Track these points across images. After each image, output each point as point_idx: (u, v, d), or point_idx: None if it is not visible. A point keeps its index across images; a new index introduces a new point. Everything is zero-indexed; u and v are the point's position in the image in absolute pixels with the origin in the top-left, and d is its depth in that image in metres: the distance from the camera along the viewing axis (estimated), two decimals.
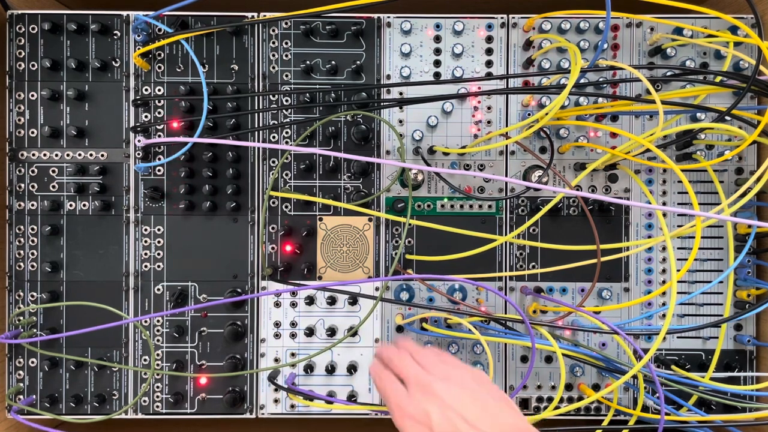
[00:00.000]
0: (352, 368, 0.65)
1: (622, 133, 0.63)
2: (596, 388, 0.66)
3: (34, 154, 0.64)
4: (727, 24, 0.64)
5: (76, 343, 0.65)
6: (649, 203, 0.64)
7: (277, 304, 0.65)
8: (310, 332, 0.65)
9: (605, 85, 0.62)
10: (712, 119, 0.60)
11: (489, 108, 0.65)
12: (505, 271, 0.66)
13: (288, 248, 0.65)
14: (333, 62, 0.64)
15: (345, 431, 0.72)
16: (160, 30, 0.62)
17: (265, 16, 0.63)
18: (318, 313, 0.66)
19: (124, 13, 0.64)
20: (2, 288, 0.65)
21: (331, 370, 0.65)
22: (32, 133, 0.64)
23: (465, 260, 0.61)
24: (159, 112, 0.65)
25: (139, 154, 0.65)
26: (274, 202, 0.66)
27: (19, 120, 0.64)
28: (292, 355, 0.66)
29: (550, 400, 0.66)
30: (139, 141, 0.60)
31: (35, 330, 0.64)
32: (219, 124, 0.64)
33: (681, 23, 0.63)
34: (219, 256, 0.65)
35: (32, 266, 0.64)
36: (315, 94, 0.64)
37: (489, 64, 0.65)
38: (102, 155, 0.65)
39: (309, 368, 0.65)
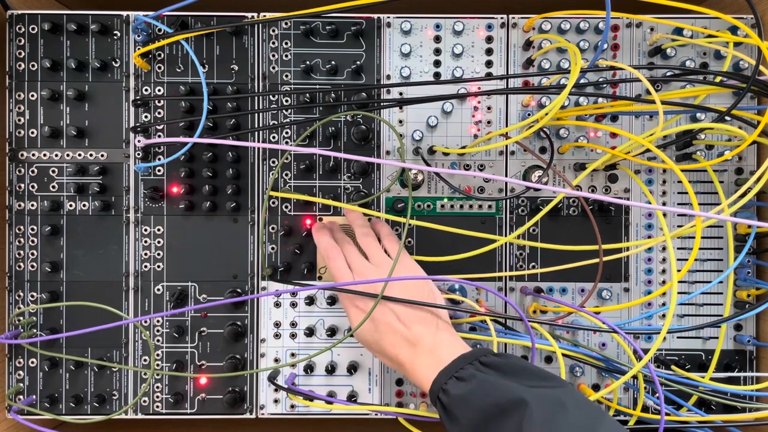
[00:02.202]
0: (352, 368, 0.65)
1: (622, 133, 0.63)
2: (596, 388, 0.66)
3: (34, 154, 0.64)
4: (727, 24, 0.64)
5: (76, 343, 0.65)
6: (649, 203, 0.64)
7: (277, 304, 0.66)
8: (310, 332, 0.65)
9: (605, 85, 0.62)
10: (712, 119, 0.60)
11: (489, 108, 0.65)
12: (505, 271, 0.66)
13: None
14: (333, 62, 0.64)
15: (345, 431, 0.72)
16: (160, 30, 0.62)
17: (265, 16, 0.63)
18: (318, 313, 0.66)
19: (124, 13, 0.64)
20: (2, 288, 0.65)
21: (331, 370, 0.65)
22: (32, 133, 0.64)
23: (465, 260, 0.60)
24: (159, 112, 0.65)
25: (139, 154, 0.65)
26: (274, 202, 0.66)
27: (19, 120, 0.64)
28: (292, 355, 0.66)
29: None
30: (139, 141, 0.61)
31: (35, 330, 0.64)
32: (219, 125, 0.64)
33: (681, 23, 0.63)
34: (219, 256, 0.65)
35: (32, 266, 0.64)
36: (315, 94, 0.64)
37: (489, 64, 0.65)
38: (102, 155, 0.65)
39: (309, 368, 0.65)
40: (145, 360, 0.65)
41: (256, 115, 0.65)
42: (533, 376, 0.46)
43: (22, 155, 0.64)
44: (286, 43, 0.65)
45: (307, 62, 0.64)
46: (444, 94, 0.60)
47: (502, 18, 0.65)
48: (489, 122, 0.65)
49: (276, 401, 0.66)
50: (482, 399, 0.44)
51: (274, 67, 0.65)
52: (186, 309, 0.64)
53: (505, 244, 0.66)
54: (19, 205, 0.64)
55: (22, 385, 0.64)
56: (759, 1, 0.65)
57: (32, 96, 0.64)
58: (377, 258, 0.56)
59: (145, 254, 0.65)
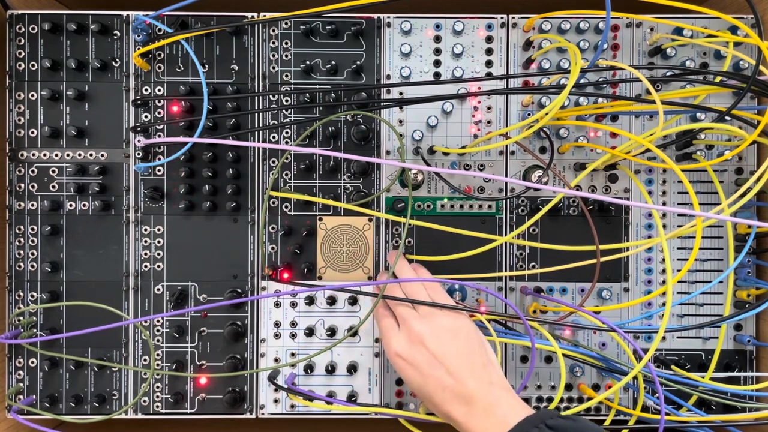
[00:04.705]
0: (352, 368, 0.65)
1: (622, 133, 0.64)
2: (596, 388, 0.66)
3: (34, 154, 0.64)
4: (727, 24, 0.64)
5: (76, 343, 0.64)
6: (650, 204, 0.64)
7: (277, 304, 0.66)
8: (310, 332, 0.65)
9: (605, 85, 0.62)
10: (712, 119, 0.60)
11: (489, 108, 0.65)
12: (505, 271, 0.66)
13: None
14: (333, 62, 0.64)
15: (345, 431, 0.72)
16: (160, 30, 0.62)
17: (265, 16, 0.63)
18: (318, 313, 0.66)
19: (124, 13, 0.64)
20: (2, 288, 0.65)
21: (331, 370, 0.65)
22: (32, 133, 0.64)
23: (465, 260, 0.61)
24: (159, 112, 0.65)
25: (139, 154, 0.65)
26: (274, 202, 0.66)
27: (19, 120, 0.64)
28: (292, 355, 0.66)
29: (550, 400, 0.66)
30: (139, 141, 0.61)
31: (35, 330, 0.64)
32: (219, 124, 0.64)
33: (681, 23, 0.63)
34: (219, 256, 0.65)
35: (32, 266, 0.64)
36: (315, 94, 0.64)
37: (489, 64, 0.65)
38: (102, 155, 0.65)
39: (309, 368, 0.65)
40: (145, 360, 0.65)
41: (256, 115, 0.65)
42: None
43: (22, 155, 0.64)
44: (286, 43, 0.65)
45: (307, 62, 0.64)
46: (444, 94, 0.60)
47: (502, 18, 0.65)
48: (489, 122, 0.65)
49: (276, 401, 0.66)
50: None
51: (274, 67, 0.65)
52: (186, 310, 0.64)
53: (505, 244, 0.66)
54: (19, 205, 0.64)
55: (22, 385, 0.64)
56: (759, 1, 0.65)
57: (32, 96, 0.64)
58: (422, 307, 0.54)
59: (145, 254, 0.65)
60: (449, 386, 0.49)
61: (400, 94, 0.65)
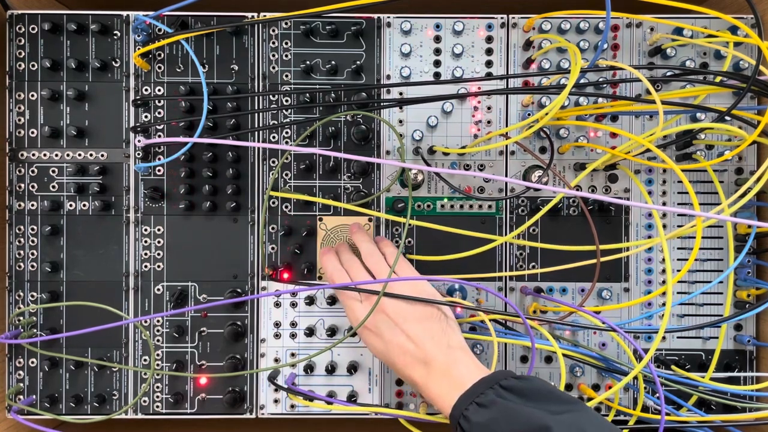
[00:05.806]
0: (352, 368, 0.65)
1: (622, 133, 0.64)
2: (596, 388, 0.66)
3: (34, 154, 0.64)
4: (727, 24, 0.64)
5: (76, 343, 0.64)
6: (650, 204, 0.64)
7: (277, 304, 0.66)
8: (310, 332, 0.65)
9: (605, 85, 0.62)
10: (712, 119, 0.60)
11: (489, 108, 0.65)
12: (505, 271, 0.66)
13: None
14: (333, 62, 0.64)
15: (345, 431, 0.72)
16: (160, 30, 0.62)
17: (265, 16, 0.63)
18: (318, 313, 0.66)
19: (124, 13, 0.64)
20: (2, 288, 0.65)
21: (331, 370, 0.65)
22: (32, 133, 0.64)
23: (465, 260, 0.61)
24: (159, 112, 0.65)
25: (139, 154, 0.65)
26: (274, 202, 0.66)
27: (19, 120, 0.64)
28: (292, 355, 0.66)
29: None
30: (139, 141, 0.60)
31: (35, 330, 0.64)
32: (219, 124, 0.64)
33: (681, 23, 0.63)
34: (219, 256, 0.65)
35: (32, 266, 0.64)
36: (315, 94, 0.64)
37: (489, 64, 0.65)
38: (102, 155, 0.65)
39: (309, 368, 0.65)
40: (145, 360, 0.65)
41: (256, 115, 0.65)
42: (555, 400, 0.45)
43: (22, 155, 0.64)
44: (286, 43, 0.65)
45: (307, 62, 0.64)
46: (444, 94, 0.60)
47: (502, 18, 0.65)
48: (489, 122, 0.65)
49: (276, 401, 0.66)
50: (504, 427, 0.43)
51: (274, 67, 0.65)
52: (186, 309, 0.64)
53: (505, 244, 0.66)
54: (19, 205, 0.64)
55: (22, 385, 0.64)
56: (759, 1, 0.65)
57: (32, 96, 0.64)
58: (383, 276, 0.56)
59: (145, 254, 0.65)
60: (409, 351, 0.51)
61: (400, 94, 0.65)
